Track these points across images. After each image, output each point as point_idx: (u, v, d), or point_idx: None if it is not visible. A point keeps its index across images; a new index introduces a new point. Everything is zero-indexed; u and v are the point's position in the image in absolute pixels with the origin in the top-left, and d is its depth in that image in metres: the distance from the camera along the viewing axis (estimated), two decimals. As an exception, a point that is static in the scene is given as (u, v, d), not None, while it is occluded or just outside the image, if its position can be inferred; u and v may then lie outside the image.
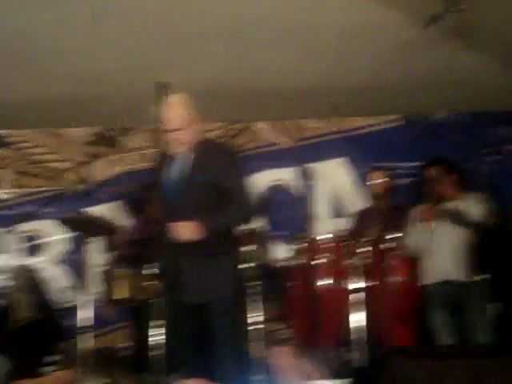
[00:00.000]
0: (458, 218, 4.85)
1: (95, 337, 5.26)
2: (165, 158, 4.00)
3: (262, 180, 6.63)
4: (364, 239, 5.16)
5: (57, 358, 5.69)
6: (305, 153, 6.78)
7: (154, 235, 4.24)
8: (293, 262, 5.12)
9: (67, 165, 6.79)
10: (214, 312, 3.76)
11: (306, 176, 6.69)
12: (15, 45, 5.04)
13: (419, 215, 4.92)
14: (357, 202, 6.47)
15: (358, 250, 5.10)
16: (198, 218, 3.65)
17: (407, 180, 6.31)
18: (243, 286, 4.44)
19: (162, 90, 3.45)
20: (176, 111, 3.88)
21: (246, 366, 3.96)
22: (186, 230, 3.65)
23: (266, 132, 6.84)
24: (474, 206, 4.92)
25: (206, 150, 3.87)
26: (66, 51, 5.21)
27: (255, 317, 5.11)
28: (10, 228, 5.33)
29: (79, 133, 6.89)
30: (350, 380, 4.21)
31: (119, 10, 4.59)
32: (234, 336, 3.85)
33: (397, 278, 4.91)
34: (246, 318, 4.87)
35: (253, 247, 4.98)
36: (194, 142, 3.88)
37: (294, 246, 5.16)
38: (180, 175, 3.86)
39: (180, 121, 3.86)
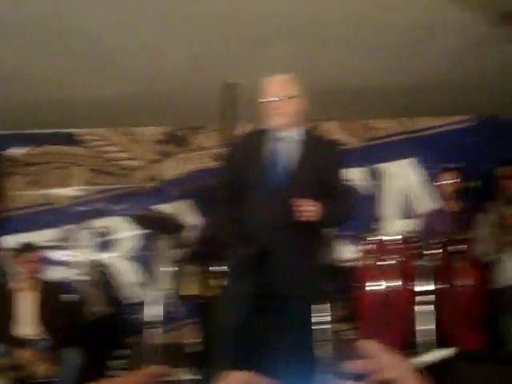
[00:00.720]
0: None
1: (164, 332, 5.33)
2: (259, 135, 3.80)
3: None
4: (433, 241, 5.11)
5: (126, 352, 5.83)
6: (373, 153, 6.73)
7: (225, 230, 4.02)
8: (360, 263, 5.09)
9: (138, 163, 6.92)
10: (297, 309, 3.54)
11: (375, 176, 6.64)
12: (87, 45, 5.17)
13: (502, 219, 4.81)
14: (426, 202, 6.40)
15: (426, 252, 5.05)
16: (321, 202, 3.43)
17: (477, 181, 6.20)
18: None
19: (230, 90, 3.43)
20: (280, 82, 3.76)
21: (312, 368, 3.85)
22: (311, 208, 3.38)
23: (334, 132, 6.81)
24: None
25: (316, 141, 3.77)
26: (138, 52, 5.31)
27: (322, 317, 5.12)
28: (83, 224, 5.44)
29: (150, 132, 7.00)
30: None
31: (187, 10, 4.67)
32: (308, 337, 3.70)
33: (466, 281, 4.83)
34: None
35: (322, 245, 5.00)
36: (297, 122, 3.72)
37: (362, 247, 5.13)
38: (288, 159, 3.67)
39: (284, 90, 3.72)
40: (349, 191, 3.85)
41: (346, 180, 3.84)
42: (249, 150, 3.77)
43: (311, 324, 3.66)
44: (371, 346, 0.93)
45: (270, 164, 3.67)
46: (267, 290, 3.45)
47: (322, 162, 3.62)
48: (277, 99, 3.66)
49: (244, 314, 3.55)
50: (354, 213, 3.89)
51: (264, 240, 3.52)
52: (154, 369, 1.13)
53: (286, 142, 3.69)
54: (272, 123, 3.69)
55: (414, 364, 0.91)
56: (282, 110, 3.65)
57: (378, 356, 0.91)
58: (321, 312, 5.22)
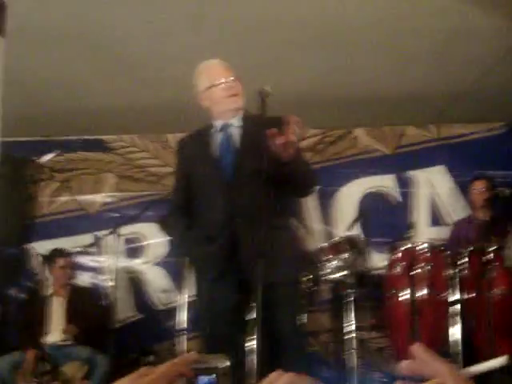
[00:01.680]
0: None
1: (190, 339, 5.34)
2: (205, 130, 3.61)
3: (360, 187, 6.60)
4: (463, 250, 5.07)
5: (153, 358, 5.87)
6: (404, 160, 6.69)
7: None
8: (390, 271, 5.06)
9: (168, 170, 6.94)
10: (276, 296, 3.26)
11: (405, 183, 6.61)
12: (119, 53, 5.23)
13: None
14: (455, 211, 6.36)
15: (456, 261, 5.01)
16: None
17: (508, 190, 6.14)
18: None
19: (263, 96, 3.36)
20: (223, 64, 3.60)
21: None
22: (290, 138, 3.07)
23: (364, 139, 6.80)
24: None
25: (258, 119, 3.32)
26: (169, 59, 5.35)
27: (350, 325, 5.10)
28: (112, 230, 5.48)
29: (179, 139, 7.03)
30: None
31: (218, 16, 4.70)
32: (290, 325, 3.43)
33: (497, 291, 4.79)
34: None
35: (350, 254, 4.98)
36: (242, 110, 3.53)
37: (392, 255, 5.10)
38: (232, 148, 3.50)
39: (231, 72, 3.55)
40: (308, 163, 3.66)
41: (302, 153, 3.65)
42: (196, 148, 3.62)
43: (291, 311, 3.44)
44: (425, 352, 0.93)
45: (219, 156, 3.52)
46: (242, 282, 3.25)
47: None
48: (231, 79, 3.51)
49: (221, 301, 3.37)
50: (315, 185, 3.72)
51: (225, 233, 3.35)
52: (188, 355, 1.14)
53: (234, 128, 3.54)
54: (230, 106, 3.51)
55: (466, 372, 0.90)
56: (237, 91, 3.50)
57: (431, 361, 0.91)
58: (346, 319, 5.23)
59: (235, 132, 3.54)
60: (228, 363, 1.25)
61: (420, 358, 0.92)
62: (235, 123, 3.55)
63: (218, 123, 3.58)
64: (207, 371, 1.23)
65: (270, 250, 3.00)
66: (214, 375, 1.23)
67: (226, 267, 3.36)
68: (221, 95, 3.52)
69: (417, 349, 0.93)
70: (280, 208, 3.39)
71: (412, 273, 4.68)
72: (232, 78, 3.52)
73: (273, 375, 0.83)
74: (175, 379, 1.11)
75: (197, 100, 3.68)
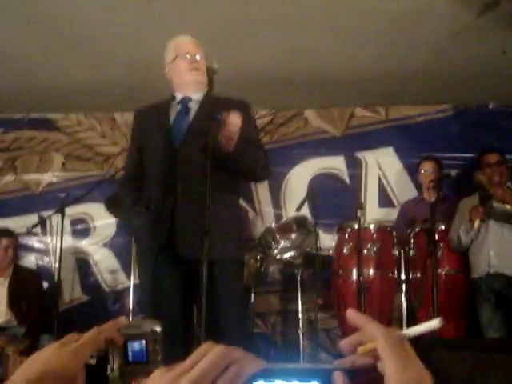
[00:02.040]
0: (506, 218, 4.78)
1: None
2: (164, 103, 3.61)
3: (310, 168, 6.60)
4: (411, 230, 5.13)
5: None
6: (353, 141, 6.71)
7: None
8: (338, 251, 5.09)
9: (116, 149, 6.85)
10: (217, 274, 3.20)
11: (354, 165, 6.63)
12: (67, 28, 5.12)
13: (469, 213, 4.81)
14: (404, 192, 6.41)
15: (404, 241, 5.07)
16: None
17: (456, 171, 6.22)
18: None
19: (209, 74, 3.36)
20: (195, 41, 3.63)
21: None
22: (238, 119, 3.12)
23: (314, 120, 6.79)
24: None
25: (219, 100, 3.40)
26: (116, 36, 5.26)
27: (298, 306, 5.13)
28: (58, 210, 5.38)
29: (128, 117, 6.93)
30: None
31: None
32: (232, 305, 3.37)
33: (442, 271, 4.85)
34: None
35: (298, 235, 4.99)
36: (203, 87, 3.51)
37: (340, 235, 5.13)
38: (186, 120, 3.49)
39: (201, 49, 3.59)
40: (263, 147, 3.62)
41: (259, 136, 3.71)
42: (152, 118, 3.59)
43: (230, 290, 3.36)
44: (359, 316, 0.90)
45: (172, 126, 3.51)
46: (183, 259, 3.23)
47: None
48: (197, 55, 3.55)
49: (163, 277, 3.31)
50: (267, 170, 3.60)
51: (166, 205, 3.31)
52: (117, 320, 1.12)
53: (193, 103, 3.55)
54: (191, 78, 3.53)
55: (401, 335, 0.88)
56: (200, 67, 3.53)
57: (366, 325, 0.88)
58: (295, 300, 5.25)
59: (194, 106, 3.54)
60: (159, 328, 1.22)
61: (354, 323, 0.90)
62: (195, 98, 3.55)
63: (179, 96, 3.59)
64: (137, 336, 1.20)
65: (211, 226, 2.97)
66: (144, 341, 1.20)
67: (166, 242, 3.31)
68: (183, 67, 3.55)
69: (351, 313, 0.91)
70: (225, 184, 3.38)
71: (359, 253, 4.71)
72: (198, 55, 3.55)
73: (203, 346, 0.80)
74: (103, 344, 1.08)
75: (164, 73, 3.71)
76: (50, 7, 4.80)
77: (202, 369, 0.77)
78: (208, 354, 0.79)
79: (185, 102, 3.57)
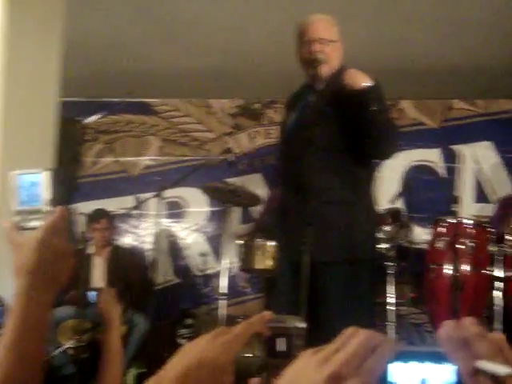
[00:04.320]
0: None
1: (230, 305, 5.36)
2: (301, 91, 3.39)
3: (405, 160, 6.51)
4: (508, 227, 5.00)
5: (192, 321, 5.91)
6: (450, 134, 6.59)
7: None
8: (433, 245, 5.01)
9: (212, 135, 6.95)
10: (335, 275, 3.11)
11: (451, 158, 6.51)
12: (165, 16, 5.21)
13: None
14: (501, 187, 6.26)
15: (501, 238, 4.94)
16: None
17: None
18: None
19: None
20: (326, 21, 3.31)
21: None
22: (359, 75, 2.94)
23: (411, 111, 6.70)
24: None
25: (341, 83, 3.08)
26: (218, 25, 5.32)
27: (389, 298, 5.07)
28: (155, 193, 5.50)
29: (224, 104, 7.01)
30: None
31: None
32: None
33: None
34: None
35: (392, 227, 4.94)
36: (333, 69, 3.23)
37: (436, 229, 5.05)
38: (307, 109, 3.22)
39: (331, 32, 3.27)
40: (391, 123, 3.31)
41: (388, 112, 3.35)
42: (290, 109, 3.44)
43: (357, 290, 3.22)
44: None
45: (298, 121, 3.30)
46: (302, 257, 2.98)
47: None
48: (320, 39, 3.22)
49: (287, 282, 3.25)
50: (395, 147, 3.37)
51: (295, 206, 3.20)
52: (264, 314, 1.15)
53: (313, 94, 3.22)
54: (310, 72, 3.25)
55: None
56: (322, 56, 3.18)
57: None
58: (385, 293, 5.19)
59: (315, 97, 3.23)
60: (302, 324, 1.26)
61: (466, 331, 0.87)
62: (318, 87, 3.26)
63: (307, 84, 3.36)
64: (282, 331, 1.24)
65: (320, 225, 2.95)
66: (288, 336, 1.24)
67: (284, 235, 3.32)
68: (305, 55, 3.28)
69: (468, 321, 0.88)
70: (344, 180, 3.21)
71: (455, 248, 4.62)
72: (320, 37, 3.22)
73: (348, 330, 0.82)
74: (251, 338, 1.12)
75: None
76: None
77: (351, 351, 0.79)
78: (354, 337, 0.81)
79: (307, 92, 3.32)
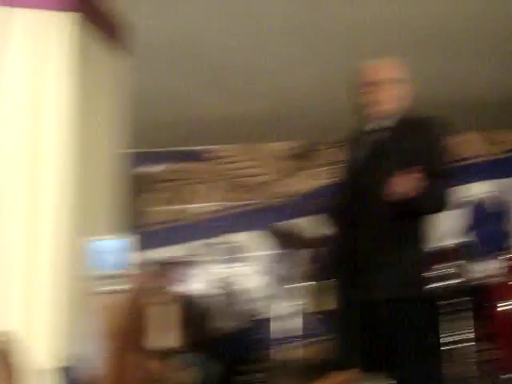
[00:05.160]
0: None
1: (299, 347, 5.33)
2: (356, 135, 3.36)
3: (473, 192, 6.40)
4: None
5: (255, 366, 5.89)
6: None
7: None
8: (501, 280, 4.93)
9: (268, 178, 6.98)
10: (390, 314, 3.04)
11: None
12: (216, 64, 5.31)
13: None
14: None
15: None
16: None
17: None
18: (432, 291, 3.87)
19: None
20: (380, 63, 3.26)
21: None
22: (404, 182, 2.89)
23: (477, 142, 6.62)
24: None
25: (407, 124, 3.14)
26: (266, 69, 5.40)
27: (459, 335, 4.97)
28: (215, 239, 5.56)
29: (279, 147, 7.06)
30: None
31: (316, 28, 4.70)
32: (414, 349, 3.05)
33: None
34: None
35: (459, 262, 4.87)
36: (396, 112, 3.21)
37: (504, 263, 4.96)
38: (371, 151, 3.19)
39: (384, 73, 3.24)
40: (447, 175, 3.16)
41: (446, 163, 3.22)
42: (350, 149, 3.37)
43: (412, 329, 3.07)
44: None
45: (358, 161, 3.24)
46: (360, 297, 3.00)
47: (415, 143, 3.06)
48: (374, 82, 3.20)
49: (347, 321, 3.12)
50: (448, 201, 3.20)
51: (349, 241, 3.15)
52: (346, 374, 1.16)
53: (377, 132, 3.21)
54: (366, 112, 3.23)
55: None
56: (384, 100, 3.19)
57: None
58: (460, 330, 5.08)
59: (380, 135, 3.23)
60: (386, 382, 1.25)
61: None
62: (386, 124, 3.24)
63: (367, 125, 3.32)
64: None
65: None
66: None
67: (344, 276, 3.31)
68: (361, 99, 3.28)
69: None
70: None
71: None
72: (375, 80, 3.23)
73: None
74: None
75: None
76: (203, 43, 5.00)
77: None
78: None
79: (367, 133, 3.29)
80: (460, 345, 4.94)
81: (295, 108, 6.08)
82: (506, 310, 4.79)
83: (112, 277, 1.44)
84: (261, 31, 4.83)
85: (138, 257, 1.50)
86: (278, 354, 6.00)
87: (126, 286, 1.39)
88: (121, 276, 1.44)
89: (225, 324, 5.72)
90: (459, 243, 5.02)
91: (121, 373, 1.28)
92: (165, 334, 5.64)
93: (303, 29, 4.77)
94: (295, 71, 5.41)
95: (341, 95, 5.22)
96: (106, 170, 3.97)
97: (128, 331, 1.31)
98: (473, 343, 5.16)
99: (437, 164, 3.14)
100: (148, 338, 1.40)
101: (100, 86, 3.99)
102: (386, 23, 4.70)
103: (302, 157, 7.01)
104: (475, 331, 5.11)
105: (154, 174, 7.18)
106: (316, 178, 6.86)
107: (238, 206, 6.89)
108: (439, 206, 3.14)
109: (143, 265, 1.35)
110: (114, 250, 1.47)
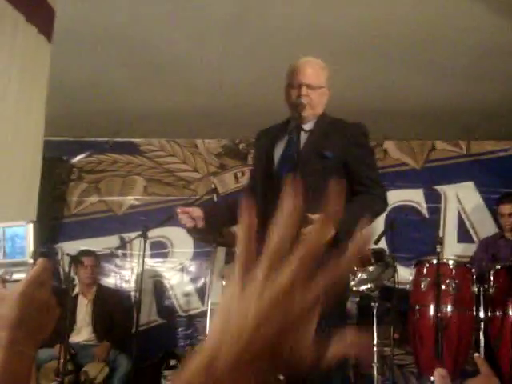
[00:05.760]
0: None
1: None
2: (276, 132, 3.41)
3: (388, 200, 6.52)
4: (490, 267, 5.03)
5: (175, 362, 5.88)
6: (433, 175, 6.65)
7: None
8: (416, 286, 5.03)
9: (197, 175, 6.97)
10: None
11: (433, 198, 6.56)
12: (152, 57, 5.28)
13: None
14: (483, 227, 6.31)
15: (483, 279, 4.97)
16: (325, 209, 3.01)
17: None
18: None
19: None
20: (316, 66, 3.36)
21: None
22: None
23: (394, 151, 6.77)
24: None
25: (333, 124, 3.27)
26: (202, 65, 5.38)
27: (378, 339, 5.06)
28: (139, 233, 5.50)
29: (210, 144, 7.06)
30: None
31: (251, 24, 4.72)
32: None
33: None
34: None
35: (376, 267, 4.96)
36: (322, 116, 3.32)
37: (419, 270, 5.07)
38: (298, 149, 3.22)
39: (320, 78, 3.32)
40: (380, 183, 3.39)
41: (378, 171, 3.46)
42: (266, 143, 3.42)
43: None
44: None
45: (278, 158, 3.30)
46: None
47: (345, 145, 3.18)
48: (306, 84, 3.26)
49: None
50: (384, 209, 3.49)
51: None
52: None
53: (301, 133, 3.28)
54: (295, 111, 3.28)
55: None
56: (307, 100, 3.25)
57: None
58: (369, 334, 5.16)
59: (303, 136, 3.30)
60: None
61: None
62: (306, 127, 3.32)
63: (292, 123, 3.37)
64: None
65: None
66: None
67: None
68: (292, 97, 3.32)
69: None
70: None
71: (438, 289, 4.64)
72: (307, 83, 3.28)
73: None
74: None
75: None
76: (139, 36, 4.97)
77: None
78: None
79: (293, 131, 3.33)
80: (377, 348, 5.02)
81: (228, 105, 6.09)
82: (422, 315, 4.90)
83: (8, 265, 1.40)
84: (196, 27, 4.81)
85: (39, 246, 1.46)
86: (193, 351, 6.00)
87: (21, 276, 1.35)
88: (17, 265, 1.40)
89: (140, 319, 5.67)
90: (377, 249, 5.10)
91: (8, 367, 1.23)
92: (81, 327, 5.59)
93: (245, 24, 4.77)
94: (230, 68, 5.41)
95: (272, 95, 5.28)
96: (19, 156, 3.91)
97: (19, 324, 1.26)
98: (391, 347, 5.27)
99: (371, 170, 3.34)
100: (48, 333, 1.35)
101: (15, 72, 3.88)
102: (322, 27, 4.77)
103: (231, 155, 7.01)
104: (394, 335, 5.20)
105: (83, 163, 7.08)
106: (244, 178, 6.88)
107: (165, 201, 6.86)
108: (379, 211, 3.42)
109: (42, 255, 1.30)
110: (14, 237, 1.43)
